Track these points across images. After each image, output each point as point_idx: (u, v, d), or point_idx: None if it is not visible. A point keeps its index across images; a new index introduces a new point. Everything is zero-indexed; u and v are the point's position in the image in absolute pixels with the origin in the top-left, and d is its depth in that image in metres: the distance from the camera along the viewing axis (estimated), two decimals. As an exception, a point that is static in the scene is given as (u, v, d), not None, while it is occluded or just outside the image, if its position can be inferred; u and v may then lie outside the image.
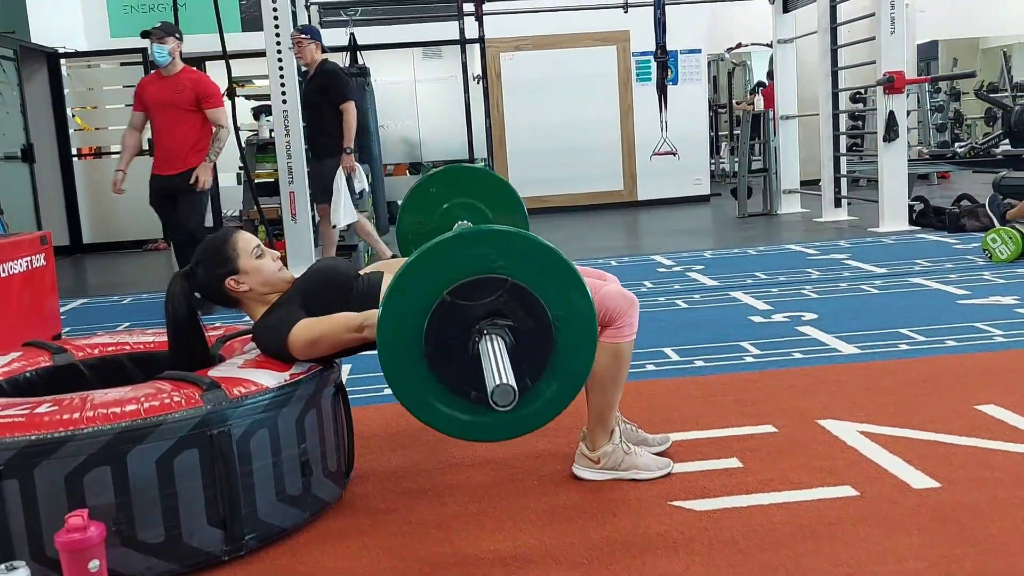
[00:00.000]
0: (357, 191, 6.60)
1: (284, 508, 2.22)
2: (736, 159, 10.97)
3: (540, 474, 2.51)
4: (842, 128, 8.45)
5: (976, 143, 9.59)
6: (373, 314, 2.24)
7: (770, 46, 15.05)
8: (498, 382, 1.75)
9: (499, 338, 1.90)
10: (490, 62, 10.77)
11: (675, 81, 11.61)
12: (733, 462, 2.49)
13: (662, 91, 8.51)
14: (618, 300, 2.36)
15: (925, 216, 7.22)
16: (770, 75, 13.50)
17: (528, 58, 11.37)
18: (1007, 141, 9.59)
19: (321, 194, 6.47)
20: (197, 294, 2.46)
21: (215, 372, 2.26)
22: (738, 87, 15.05)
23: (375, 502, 2.42)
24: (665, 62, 8.49)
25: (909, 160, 10.51)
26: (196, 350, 2.47)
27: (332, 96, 6.25)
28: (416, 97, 12.13)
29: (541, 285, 1.96)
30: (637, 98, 11.46)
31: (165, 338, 2.53)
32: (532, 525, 2.18)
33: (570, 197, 11.25)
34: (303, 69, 6.59)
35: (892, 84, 6.96)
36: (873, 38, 7.30)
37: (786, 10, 9.28)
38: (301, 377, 2.27)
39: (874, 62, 7.23)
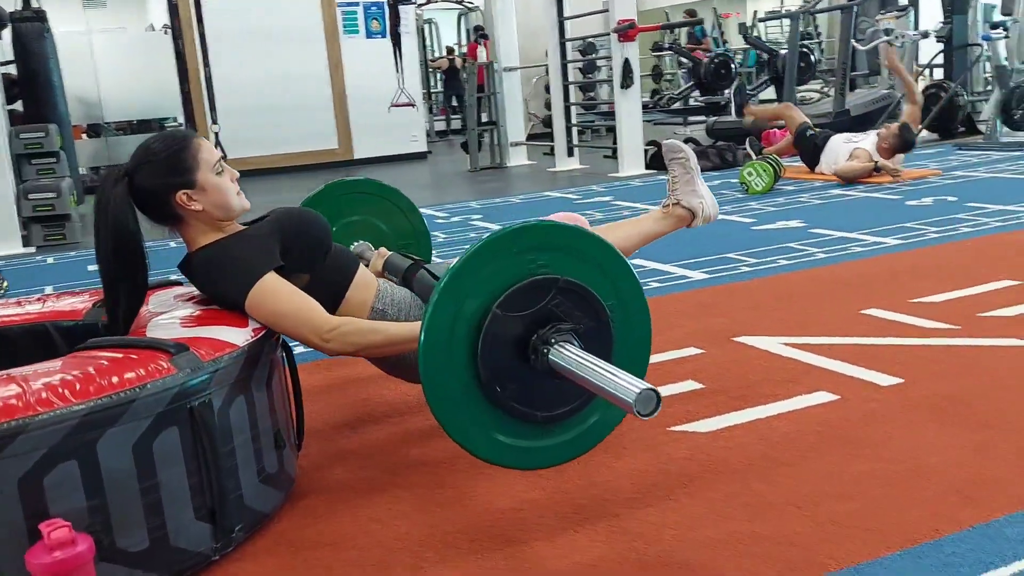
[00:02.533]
0: None
1: (266, 490, 1.84)
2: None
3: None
4: (571, 78, 8.74)
5: (673, 94, 10.41)
6: (348, 324, 1.91)
7: (460, 3, 15.30)
8: (638, 390, 1.48)
9: (574, 344, 1.66)
10: (183, 10, 9.85)
11: (384, 34, 11.39)
12: (692, 384, 2.46)
13: (396, 40, 8.29)
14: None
15: (658, 159, 7.68)
16: (478, 29, 13.71)
17: (224, 6, 10.50)
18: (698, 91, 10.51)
19: None
20: None
21: (153, 335, 1.82)
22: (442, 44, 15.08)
23: (340, 473, 2.10)
24: (396, 8, 8.25)
25: (607, 112, 11.16)
26: (139, 278, 1.96)
27: None
28: (92, 51, 10.85)
29: (589, 277, 1.73)
30: (346, 51, 11.09)
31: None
32: (546, 472, 1.98)
33: (283, 157, 10.65)
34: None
35: (627, 32, 7.29)
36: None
37: (505, -38, 9.39)
38: (264, 332, 1.89)
39: (606, 10, 7.51)
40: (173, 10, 9.16)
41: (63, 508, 1.49)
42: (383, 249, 2.43)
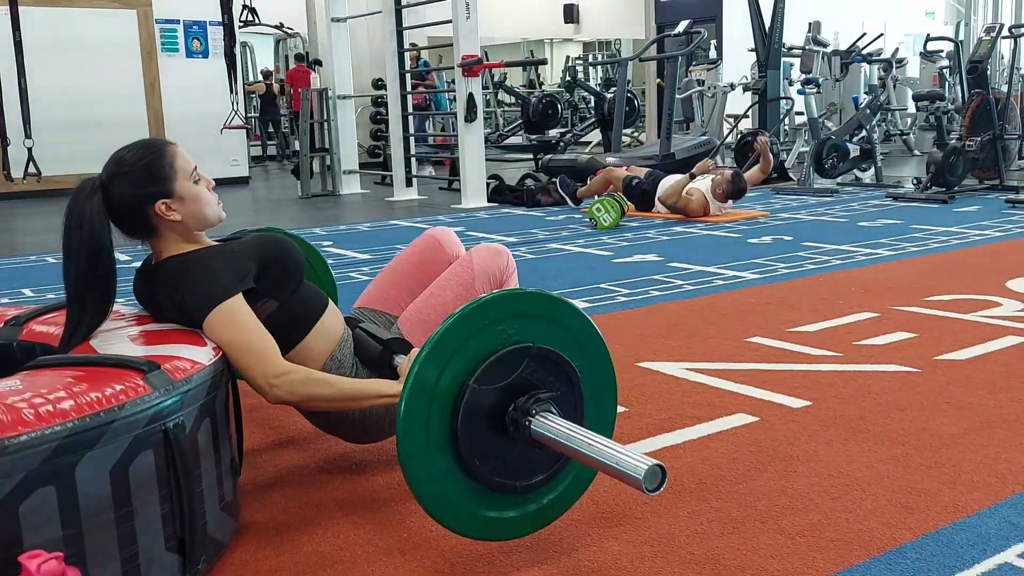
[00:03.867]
0: None
1: (225, 518, 1.74)
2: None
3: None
4: (410, 109, 8.75)
5: (502, 131, 10.64)
6: (299, 372, 1.81)
7: (280, 27, 15.02)
8: (646, 466, 1.46)
9: (553, 412, 1.65)
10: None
11: (206, 54, 11.01)
12: (613, 407, 2.52)
13: (231, 60, 8.02)
14: (495, 259, 2.25)
15: (500, 192, 7.81)
16: (298, 56, 13.48)
17: (28, 15, 9.77)
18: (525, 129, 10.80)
19: None
20: None
21: (103, 352, 1.68)
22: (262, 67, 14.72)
23: (278, 498, 2.00)
24: (232, 28, 8.00)
25: (434, 145, 11.27)
26: (109, 294, 1.82)
27: None
28: None
29: (556, 340, 1.71)
30: (164, 70, 10.59)
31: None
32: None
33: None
34: None
35: (471, 68, 7.40)
36: (448, 21, 7.68)
37: (338, -11, 9.31)
38: (222, 351, 1.78)
39: (448, 45, 7.60)
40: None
41: (38, 539, 1.35)
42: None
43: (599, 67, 17.10)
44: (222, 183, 11.29)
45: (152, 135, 10.50)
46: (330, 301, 2.08)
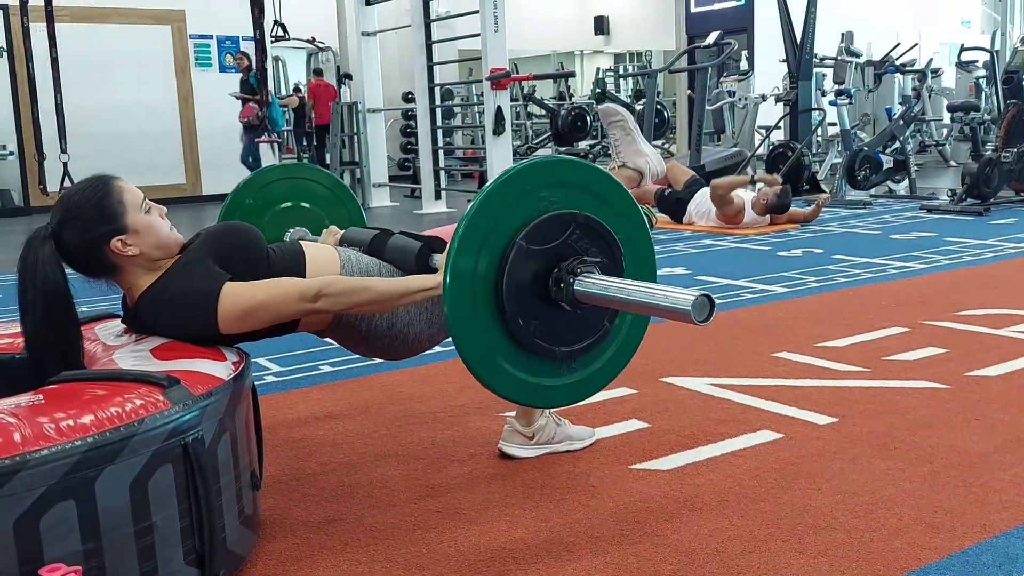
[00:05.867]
0: None
1: (245, 532, 1.75)
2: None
3: (465, 460, 2.28)
4: (439, 122, 8.80)
5: (531, 143, 10.65)
6: (333, 281, 1.87)
7: (311, 42, 15.17)
8: (693, 297, 1.54)
9: (599, 273, 1.72)
10: (16, 34, 9.29)
11: (238, 69, 11.11)
12: (637, 423, 2.51)
13: (263, 75, 8.10)
14: None
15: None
16: (316, 71, 13.60)
17: (67, 32, 9.95)
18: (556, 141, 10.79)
19: None
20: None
21: (123, 366, 1.70)
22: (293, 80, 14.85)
23: (300, 513, 2.01)
24: (263, 44, 8.07)
25: (465, 158, 11.30)
26: (72, 339, 1.80)
27: None
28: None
29: (601, 211, 1.80)
30: (197, 85, 10.75)
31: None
32: (516, 512, 1.97)
33: (128, 190, 10.14)
34: None
35: (500, 80, 7.43)
36: (476, 35, 7.72)
37: (368, 3, 9.39)
38: (243, 366, 1.80)
39: (477, 59, 7.64)
40: (8, 32, 8.65)
41: (58, 552, 1.37)
42: (333, 227, 2.33)
43: (630, 79, 17.08)
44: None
45: (185, 148, 10.68)
46: (303, 244, 2.06)
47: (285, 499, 2.10)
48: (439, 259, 1.99)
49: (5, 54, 10.03)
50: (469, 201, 7.30)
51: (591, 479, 2.13)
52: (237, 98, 9.33)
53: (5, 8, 9.75)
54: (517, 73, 9.86)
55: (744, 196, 6.32)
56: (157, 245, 1.86)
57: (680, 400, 2.69)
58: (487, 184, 1.71)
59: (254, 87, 9.10)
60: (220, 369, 1.71)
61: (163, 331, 1.86)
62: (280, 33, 9.48)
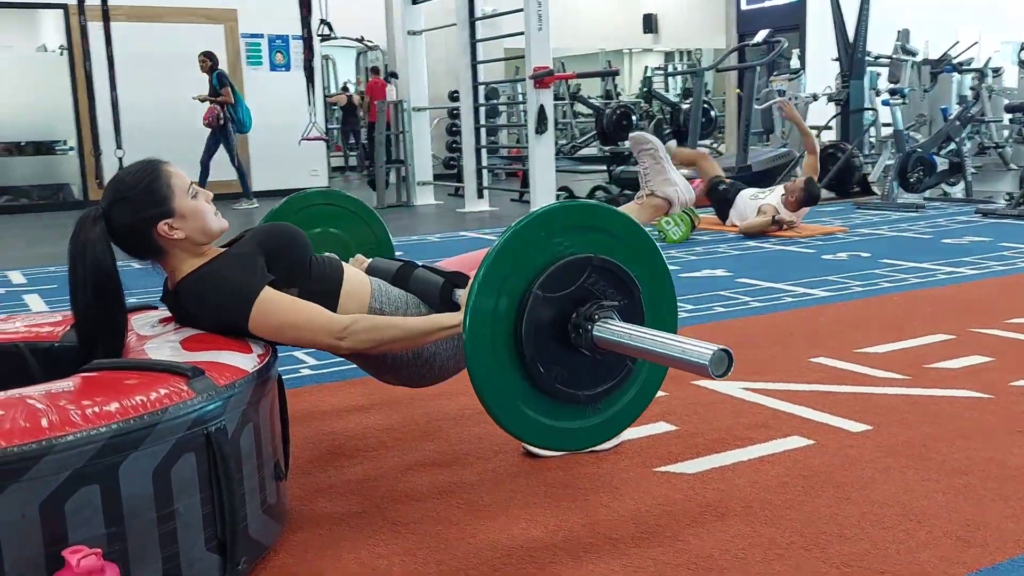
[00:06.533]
0: None
1: (268, 521, 1.77)
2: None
3: (490, 458, 2.29)
4: (482, 121, 8.81)
5: (577, 142, 10.62)
6: (360, 319, 1.89)
7: (360, 41, 15.29)
8: (711, 351, 1.53)
9: (618, 317, 1.71)
10: (76, 32, 9.46)
11: (288, 67, 11.25)
12: (665, 425, 2.49)
13: (309, 73, 8.20)
14: None
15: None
16: (374, 69, 13.71)
17: (123, 30, 10.10)
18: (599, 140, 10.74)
19: None
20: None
21: (153, 357, 1.73)
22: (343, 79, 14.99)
23: (326, 505, 2.03)
24: (311, 42, 8.17)
25: (509, 157, 11.30)
26: (118, 321, 1.86)
27: None
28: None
29: (616, 252, 1.79)
30: (248, 83, 10.88)
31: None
32: (537, 511, 1.96)
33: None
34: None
35: (543, 79, 7.42)
36: (520, 33, 7.71)
37: (415, 2, 9.43)
38: (268, 358, 1.82)
39: (522, 57, 7.62)
40: (69, 31, 8.84)
41: (83, 535, 1.40)
42: (360, 256, 2.37)
43: (678, 77, 16.94)
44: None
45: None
46: (343, 264, 2.11)
47: (312, 489, 2.12)
48: (461, 295, 2.02)
49: (65, 52, 10.26)
50: (512, 200, 7.30)
51: (614, 480, 2.12)
52: (201, 100, 9.37)
53: (65, 8, 9.97)
54: (563, 71, 9.88)
55: (772, 201, 6.20)
56: (202, 230, 1.91)
57: (711, 404, 2.66)
58: (507, 229, 1.71)
59: (217, 89, 9.18)
60: (246, 361, 1.73)
61: (198, 314, 1.91)
62: (326, 32, 9.55)
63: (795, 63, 11.91)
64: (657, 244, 1.92)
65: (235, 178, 9.76)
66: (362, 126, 14.91)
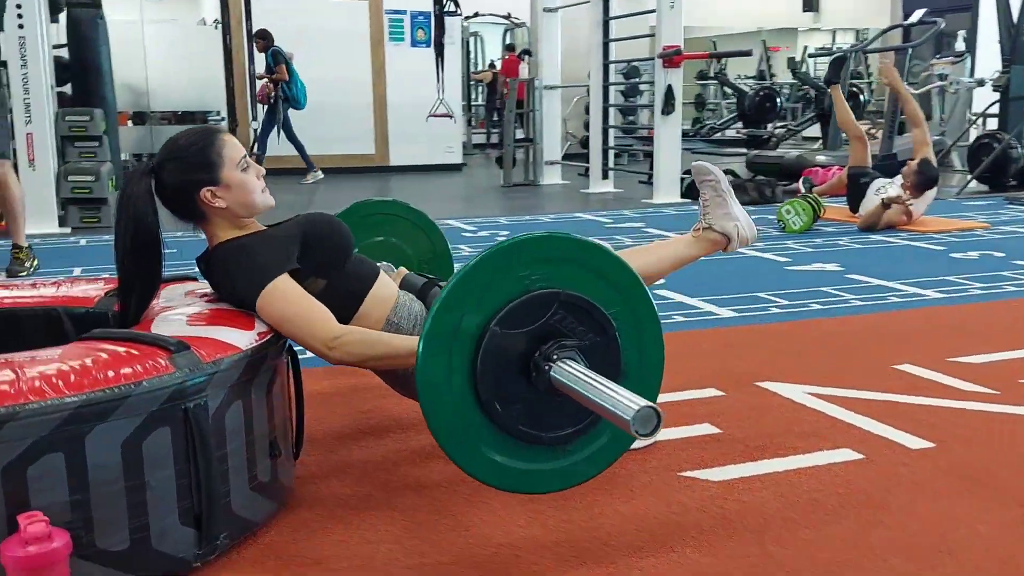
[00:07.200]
0: None
1: (256, 498, 1.77)
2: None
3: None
4: (611, 100, 8.67)
5: (715, 124, 10.33)
6: (353, 333, 1.86)
7: (507, 18, 15.34)
8: (637, 407, 1.40)
9: (576, 361, 1.59)
10: (234, 6, 9.87)
11: (428, 43, 11.39)
12: (709, 428, 2.36)
13: (439, 50, 8.27)
14: None
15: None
16: (509, 47, 13.73)
17: (274, 6, 10.47)
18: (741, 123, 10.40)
19: None
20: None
21: (158, 330, 1.76)
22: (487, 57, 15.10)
23: (336, 486, 2.02)
24: (442, 19, 8.23)
25: (647, 137, 11.06)
26: (154, 275, 1.93)
27: None
28: (144, 40, 10.96)
29: (587, 286, 1.65)
30: (390, 58, 11.09)
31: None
32: (541, 509, 1.88)
33: (321, 159, 10.63)
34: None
35: (672, 58, 7.21)
36: (651, 11, 7.52)
37: (553, -21, 9.35)
38: (269, 336, 1.82)
39: (652, 35, 7.44)
40: (224, 5, 9.21)
41: (45, 501, 1.43)
42: (402, 269, 2.37)
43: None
44: (436, 169, 11.55)
45: (376, 121, 11.07)
46: (381, 271, 2.11)
47: (328, 468, 2.12)
48: None
49: (219, 26, 10.76)
50: (640, 182, 7.09)
51: (632, 483, 2.02)
52: (258, 78, 9.46)
53: (219, -18, 10.46)
54: (714, 51, 9.59)
55: (893, 193, 5.76)
56: (245, 204, 1.95)
57: (766, 407, 2.51)
58: (469, 260, 1.60)
59: (271, 66, 9.23)
60: (241, 338, 1.74)
61: (220, 284, 1.96)
62: (452, 8, 9.58)
63: (960, 45, 11.12)
64: (648, 292, 1.74)
65: (283, 153, 9.80)
66: (499, 105, 14.99)
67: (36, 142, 5.93)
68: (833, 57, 7.45)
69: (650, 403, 1.41)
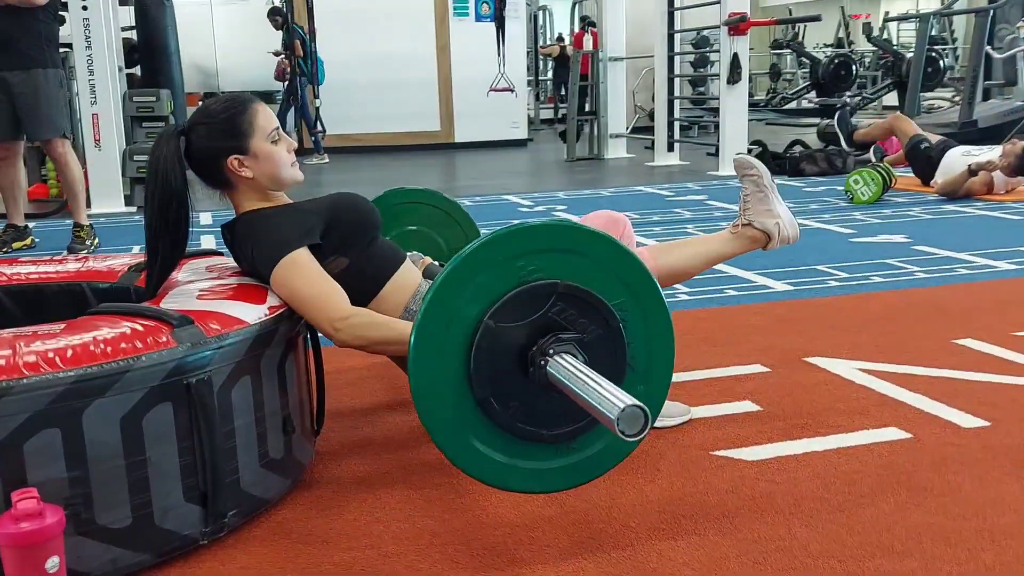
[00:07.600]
0: None
1: (267, 475, 1.74)
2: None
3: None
4: (677, 71, 8.47)
5: (787, 94, 10.02)
6: (361, 316, 1.82)
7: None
8: (623, 406, 1.31)
9: (571, 355, 1.50)
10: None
11: (492, 18, 11.29)
12: (748, 405, 2.26)
13: (500, 24, 8.17)
14: (611, 227, 2.13)
15: (763, 160, 7.34)
16: (583, 18, 13.54)
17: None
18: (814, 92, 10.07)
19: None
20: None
21: (169, 304, 1.74)
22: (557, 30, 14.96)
23: (355, 463, 1.99)
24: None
25: (716, 108, 10.80)
26: (179, 239, 1.91)
27: None
28: (212, 21, 11.13)
29: (590, 276, 1.56)
30: (454, 34, 11.02)
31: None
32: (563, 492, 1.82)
33: (386, 136, 10.66)
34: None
35: (738, 26, 6.99)
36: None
37: (616, -52, 9.13)
38: (281, 311, 1.79)
39: (717, 1, 7.22)
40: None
41: (42, 477, 1.42)
42: (427, 258, 2.31)
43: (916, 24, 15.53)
44: (502, 145, 11.47)
45: (440, 96, 11.03)
46: (408, 258, 2.06)
47: (350, 444, 2.10)
48: None
49: (286, 4, 10.85)
50: (708, 155, 6.95)
51: (661, 462, 1.94)
52: (276, 55, 9.36)
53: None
54: (791, 16, 9.26)
55: (989, 158, 5.49)
56: (272, 176, 1.93)
57: (813, 384, 2.39)
58: (462, 251, 1.52)
59: (287, 44, 9.12)
60: (249, 312, 1.71)
61: (240, 254, 1.95)
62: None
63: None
64: (655, 282, 1.63)
65: (349, 131, 9.74)
66: (566, 78, 14.83)
67: (102, 122, 6.04)
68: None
69: (637, 402, 1.32)
